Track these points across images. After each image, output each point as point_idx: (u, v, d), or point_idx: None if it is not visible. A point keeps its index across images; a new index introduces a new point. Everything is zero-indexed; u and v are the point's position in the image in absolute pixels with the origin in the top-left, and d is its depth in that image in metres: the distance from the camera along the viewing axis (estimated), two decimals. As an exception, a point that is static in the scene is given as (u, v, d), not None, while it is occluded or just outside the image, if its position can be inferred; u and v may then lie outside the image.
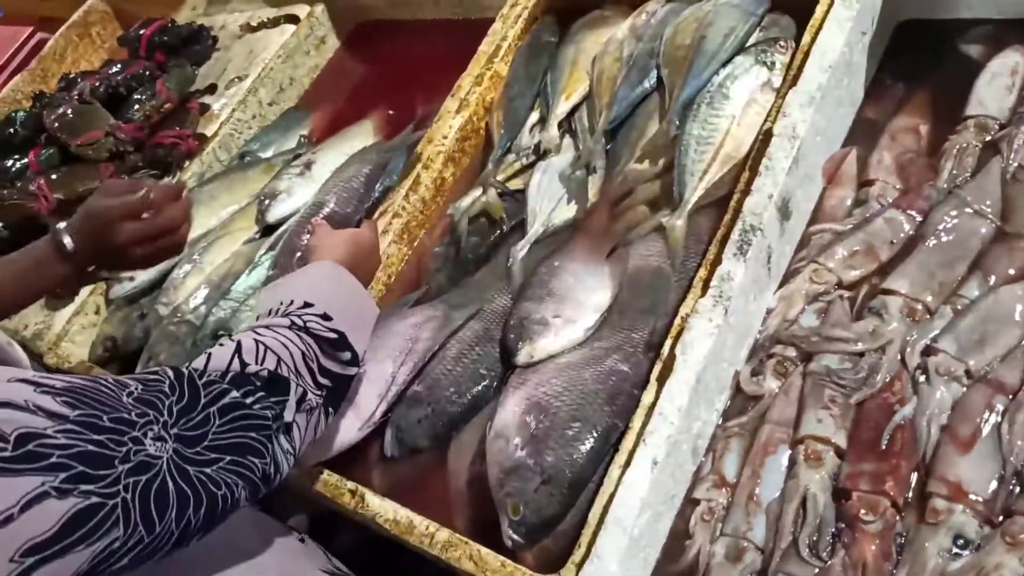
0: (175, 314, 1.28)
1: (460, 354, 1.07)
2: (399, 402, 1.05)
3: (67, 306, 1.43)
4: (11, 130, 1.54)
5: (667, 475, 0.84)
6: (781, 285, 0.99)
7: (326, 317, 0.79)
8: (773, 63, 1.11)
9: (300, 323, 0.77)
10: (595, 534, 0.80)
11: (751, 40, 1.15)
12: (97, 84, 1.53)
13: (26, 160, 1.49)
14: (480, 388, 1.04)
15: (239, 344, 0.70)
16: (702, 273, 0.95)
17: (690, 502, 0.87)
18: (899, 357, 0.87)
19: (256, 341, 0.71)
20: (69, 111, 1.46)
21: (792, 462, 0.84)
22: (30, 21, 2.74)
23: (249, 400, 0.65)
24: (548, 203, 1.19)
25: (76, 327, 1.40)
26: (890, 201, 0.99)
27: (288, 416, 0.69)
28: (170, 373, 0.64)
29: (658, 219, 1.08)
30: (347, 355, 0.79)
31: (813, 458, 0.83)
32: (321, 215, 1.28)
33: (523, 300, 1.07)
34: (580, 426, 0.90)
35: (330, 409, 0.77)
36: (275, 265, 1.21)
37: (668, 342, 0.91)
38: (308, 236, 1.10)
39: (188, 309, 1.28)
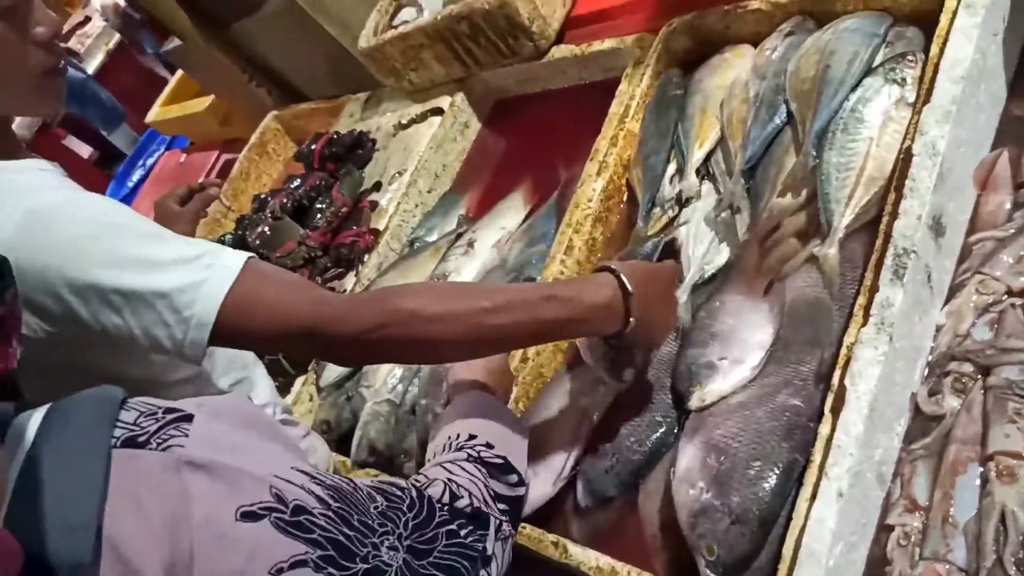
0: (376, 395, 1.45)
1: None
2: (585, 455, 1.13)
3: (286, 397, 1.64)
4: (221, 252, 1.82)
5: (854, 505, 0.86)
6: (948, 300, 0.98)
7: (489, 446, 0.91)
8: (904, 79, 1.11)
9: (474, 454, 0.89)
10: (791, 570, 0.83)
11: (878, 59, 1.16)
12: (284, 201, 1.77)
13: (237, 276, 1.75)
14: (659, 435, 1.10)
15: (443, 484, 0.81)
16: (861, 300, 0.97)
17: (884, 529, 0.89)
18: (1086, 361, 0.85)
19: (450, 479, 0.82)
20: (266, 228, 1.69)
21: (984, 480, 0.84)
22: (214, 145, 3.15)
23: (463, 532, 0.76)
24: (700, 248, 1.25)
25: (296, 415, 1.60)
26: (1053, 199, 0.97)
27: (490, 548, 0.79)
28: (413, 492, 0.75)
29: (810, 250, 1.10)
30: (514, 477, 0.90)
31: (1006, 474, 0.82)
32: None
33: (688, 346, 1.12)
34: (760, 464, 0.94)
35: (513, 531, 0.87)
36: (423, 394, 1.32)
37: (837, 372, 0.94)
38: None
39: (387, 389, 1.44)
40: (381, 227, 1.74)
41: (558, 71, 1.71)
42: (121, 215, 0.91)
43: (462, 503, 0.79)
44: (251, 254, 0.91)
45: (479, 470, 0.87)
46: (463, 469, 0.86)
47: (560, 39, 1.70)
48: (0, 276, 0.61)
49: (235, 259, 0.89)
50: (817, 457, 0.89)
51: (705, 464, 0.98)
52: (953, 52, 1.01)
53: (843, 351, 0.95)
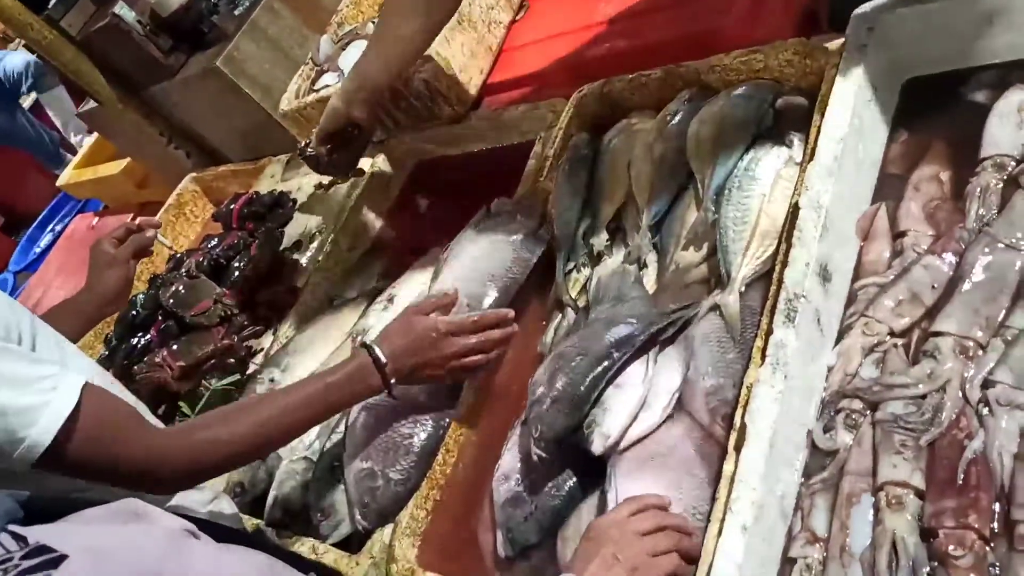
0: (292, 453, 1.42)
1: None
2: (504, 504, 1.14)
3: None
4: (133, 312, 1.77)
5: (759, 539, 0.89)
6: (838, 342, 1.05)
7: None
8: (791, 141, 1.21)
9: None
10: (700, 604, 0.86)
11: (767, 123, 1.26)
12: (201, 259, 1.75)
13: (149, 337, 1.70)
14: (572, 483, 1.12)
15: None
16: (759, 343, 1.02)
17: (787, 561, 0.92)
18: (960, 394, 0.92)
19: None
20: (181, 287, 1.67)
21: (876, 509, 0.89)
22: (130, 208, 3.09)
23: None
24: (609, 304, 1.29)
25: (210, 481, 1.55)
26: (925, 248, 1.06)
27: None
28: None
29: (713, 299, 1.16)
30: None
31: (895, 503, 0.87)
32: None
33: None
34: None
35: None
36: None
37: (739, 412, 0.98)
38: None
39: (304, 447, 1.41)
40: (300, 285, 1.73)
41: (476, 134, 1.77)
42: None
43: None
44: (86, 382, 0.96)
45: None
46: None
47: (478, 104, 1.77)
48: None
49: (75, 387, 0.95)
50: (723, 494, 0.92)
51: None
52: (832, 114, 1.11)
53: (744, 392, 1.00)
